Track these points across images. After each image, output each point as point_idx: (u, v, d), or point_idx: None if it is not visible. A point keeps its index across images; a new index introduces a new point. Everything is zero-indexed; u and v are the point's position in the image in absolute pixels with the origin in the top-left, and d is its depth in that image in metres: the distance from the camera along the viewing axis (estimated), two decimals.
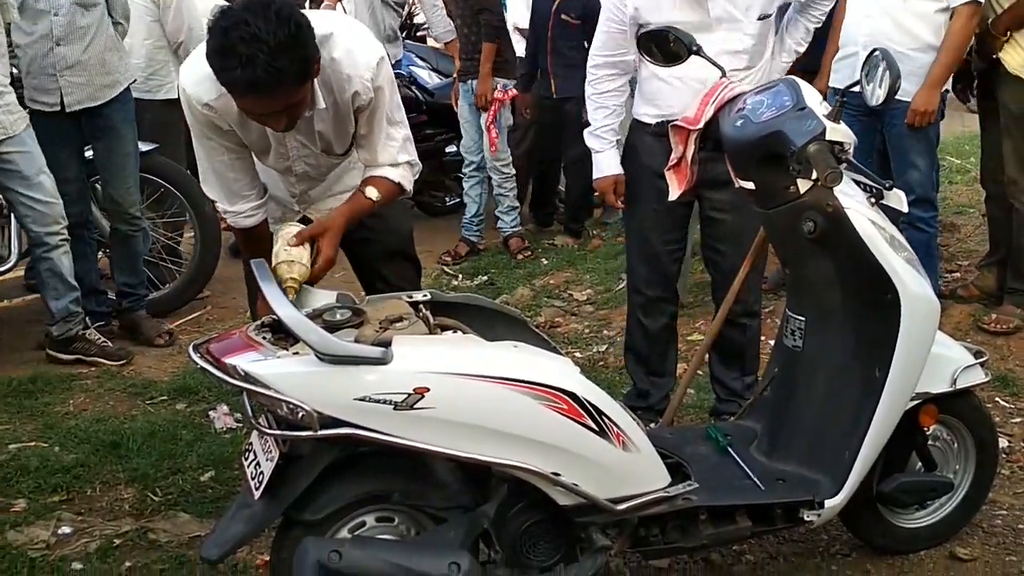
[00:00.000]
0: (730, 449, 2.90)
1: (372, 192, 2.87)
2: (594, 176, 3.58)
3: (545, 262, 6.21)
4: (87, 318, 4.63)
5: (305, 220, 3.05)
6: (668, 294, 3.68)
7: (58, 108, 4.51)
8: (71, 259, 4.43)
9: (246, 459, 2.51)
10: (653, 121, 3.38)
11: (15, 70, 4.43)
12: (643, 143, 3.45)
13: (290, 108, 2.55)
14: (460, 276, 5.92)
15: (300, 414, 2.25)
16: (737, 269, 3.19)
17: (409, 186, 2.99)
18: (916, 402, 2.82)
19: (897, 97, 4.09)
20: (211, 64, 2.44)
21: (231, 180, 2.89)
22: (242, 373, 2.28)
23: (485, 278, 5.98)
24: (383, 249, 3.22)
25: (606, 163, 3.52)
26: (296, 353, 2.33)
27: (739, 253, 3.36)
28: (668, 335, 3.77)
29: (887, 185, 2.68)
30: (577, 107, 5.48)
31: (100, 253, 5.08)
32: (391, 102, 2.87)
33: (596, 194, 4.32)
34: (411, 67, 6.86)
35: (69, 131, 4.58)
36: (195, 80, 2.68)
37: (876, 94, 2.72)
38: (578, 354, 4.72)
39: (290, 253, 2.65)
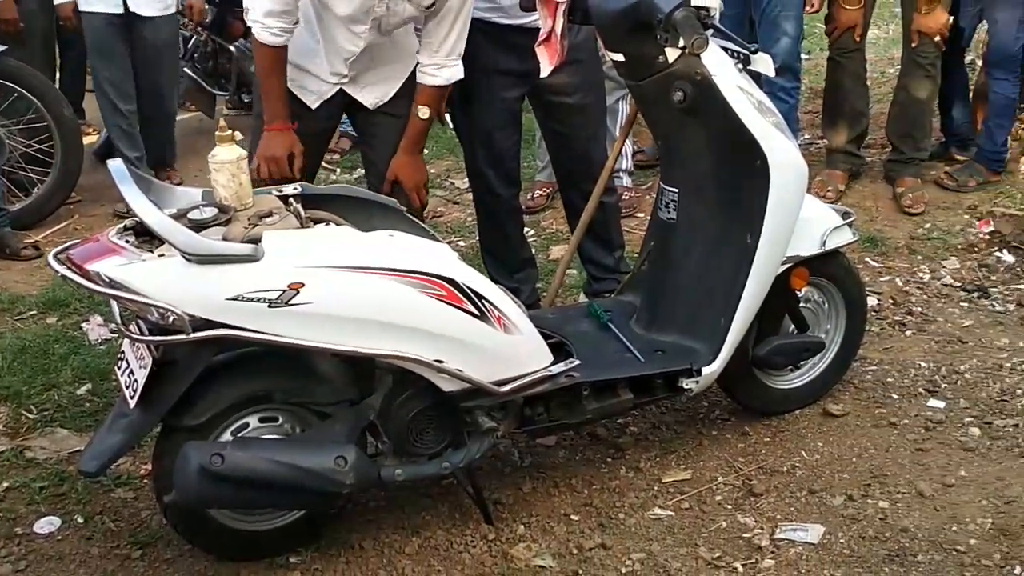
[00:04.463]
0: (611, 324, 2.95)
1: (424, 112, 3.07)
2: None
3: (426, 151, 6.11)
4: None
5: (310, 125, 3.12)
6: (515, 189, 3.65)
7: None
8: None
9: (119, 368, 2.46)
10: (483, 16, 3.25)
11: None
12: (476, 42, 3.22)
13: None
14: (338, 170, 5.80)
15: (171, 318, 2.20)
16: (588, 148, 3.19)
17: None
18: (787, 265, 2.89)
19: None
20: None
21: None
22: (106, 279, 2.21)
23: (362, 172, 5.85)
24: None
25: None
26: (162, 255, 2.26)
27: (587, 133, 3.38)
28: (519, 230, 3.77)
29: (753, 49, 2.69)
30: None
31: None
32: None
33: None
34: None
35: None
36: None
37: None
38: (461, 243, 4.71)
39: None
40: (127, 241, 2.32)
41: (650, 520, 2.77)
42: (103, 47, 4.97)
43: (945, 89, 4.88)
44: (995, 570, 2.53)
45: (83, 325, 3.89)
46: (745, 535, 2.69)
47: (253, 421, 2.48)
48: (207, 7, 5.54)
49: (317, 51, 3.07)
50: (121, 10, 4.81)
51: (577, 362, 2.70)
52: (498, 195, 3.58)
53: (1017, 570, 2.52)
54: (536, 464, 3.02)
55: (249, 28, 3.00)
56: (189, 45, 6.02)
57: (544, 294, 3.70)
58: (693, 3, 2.54)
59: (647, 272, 3.04)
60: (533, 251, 4.00)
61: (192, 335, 2.20)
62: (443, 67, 3.04)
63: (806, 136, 5.44)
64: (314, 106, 3.14)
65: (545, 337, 2.70)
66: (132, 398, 2.34)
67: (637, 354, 2.82)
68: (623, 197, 4.68)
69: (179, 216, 2.36)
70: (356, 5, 2.94)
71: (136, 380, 2.34)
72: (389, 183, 3.14)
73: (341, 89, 3.16)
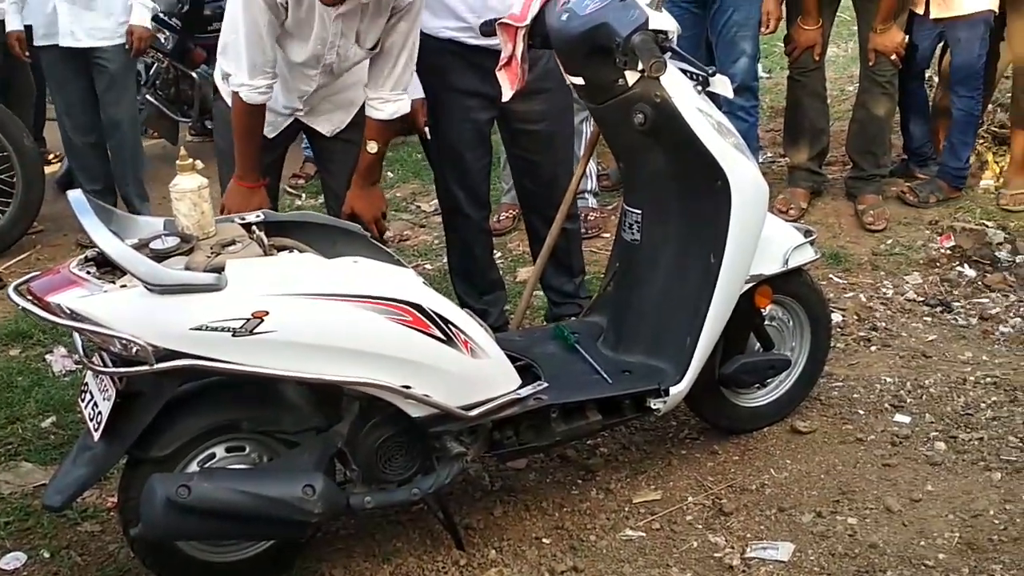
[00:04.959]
0: (578, 346, 2.95)
1: (372, 146, 3.09)
2: None
3: (391, 175, 6.12)
4: None
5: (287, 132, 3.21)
6: (485, 211, 3.65)
7: None
8: None
9: (83, 400, 2.44)
10: (452, 36, 3.28)
11: None
12: (446, 63, 3.30)
13: None
14: (304, 196, 5.78)
15: (134, 349, 2.18)
16: (555, 176, 3.21)
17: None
18: (751, 284, 2.92)
19: None
20: None
21: (260, 57, 2.88)
22: (68, 311, 2.19)
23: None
24: None
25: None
26: (124, 286, 2.24)
27: (554, 160, 3.41)
28: (489, 252, 3.78)
29: (711, 72, 2.71)
30: None
31: None
32: (416, 26, 3.00)
33: None
34: None
35: None
36: None
37: None
38: (428, 266, 4.71)
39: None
40: (88, 272, 2.30)
41: (621, 541, 2.77)
42: (58, 80, 4.94)
43: (904, 106, 4.95)
44: None
45: (47, 357, 3.85)
46: (716, 554, 2.70)
47: (220, 451, 2.46)
48: (158, 35, 5.49)
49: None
50: (73, 43, 4.73)
51: (545, 384, 2.70)
52: (468, 216, 3.57)
53: None
54: (507, 488, 3.01)
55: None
56: (151, 72, 6.00)
57: (512, 316, 3.71)
58: (651, 27, 2.56)
59: (613, 293, 3.05)
60: (500, 273, 4.00)
61: (156, 366, 2.18)
62: (387, 101, 3.04)
63: (768, 154, 5.49)
64: (271, 136, 3.15)
65: (513, 360, 2.70)
66: (96, 431, 2.32)
67: (604, 375, 2.83)
68: (588, 218, 4.70)
69: (141, 246, 2.35)
70: (308, 54, 2.96)
71: (100, 412, 2.32)
72: (346, 216, 3.14)
73: (296, 119, 3.19)
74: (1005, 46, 4.79)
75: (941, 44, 4.94)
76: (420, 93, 3.29)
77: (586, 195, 4.81)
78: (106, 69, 4.83)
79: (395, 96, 3.05)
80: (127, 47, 4.80)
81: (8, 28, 4.87)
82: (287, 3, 2.84)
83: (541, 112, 3.39)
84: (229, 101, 3.03)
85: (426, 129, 3.48)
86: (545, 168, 3.51)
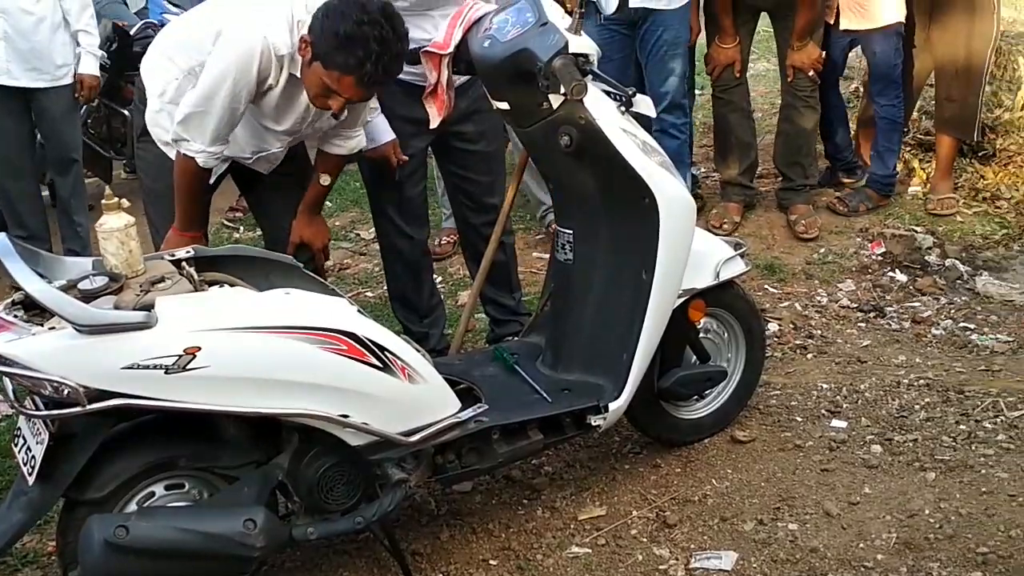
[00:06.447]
0: (517, 367, 2.98)
1: (326, 179, 3.16)
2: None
3: (330, 204, 6.10)
4: None
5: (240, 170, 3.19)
6: (424, 234, 3.66)
7: None
8: None
9: (16, 445, 2.40)
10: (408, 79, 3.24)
11: None
12: (385, 90, 3.23)
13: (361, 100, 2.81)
14: (242, 228, 5.76)
15: (66, 391, 2.16)
16: (493, 194, 3.24)
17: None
18: (684, 298, 2.96)
19: (651, 7, 4.31)
20: (338, 42, 2.60)
21: (227, 129, 2.87)
22: None
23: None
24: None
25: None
26: (52, 328, 2.22)
27: (489, 178, 3.43)
28: (430, 274, 3.79)
29: (631, 92, 2.76)
30: None
31: None
32: None
33: None
34: (162, 14, 6.54)
35: None
36: (276, 32, 2.76)
37: (609, 3, 2.78)
38: (369, 294, 4.71)
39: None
40: (16, 316, 2.27)
41: (568, 559, 2.79)
42: None
43: (825, 116, 5.05)
44: None
45: None
46: (661, 567, 2.73)
47: (159, 489, 2.44)
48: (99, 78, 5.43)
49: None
50: (12, 82, 4.63)
51: (485, 407, 2.70)
52: (409, 237, 3.58)
53: None
54: (452, 511, 3.02)
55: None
56: (82, 111, 5.94)
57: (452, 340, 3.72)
58: (571, 50, 2.59)
59: (549, 313, 3.08)
60: (441, 296, 4.01)
61: (88, 407, 2.16)
62: (348, 139, 3.08)
63: (702, 169, 5.57)
64: (211, 181, 3.10)
65: (452, 384, 2.71)
66: (31, 475, 2.28)
67: (544, 394, 2.85)
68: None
69: (69, 287, 2.32)
70: (284, 127, 2.99)
71: (34, 456, 2.28)
72: (293, 245, 3.15)
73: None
74: (917, 52, 4.92)
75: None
76: (391, 135, 3.29)
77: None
78: (51, 111, 4.75)
79: (355, 132, 3.08)
80: (76, 95, 4.76)
81: None
82: (271, 87, 2.83)
83: (479, 132, 3.43)
84: (168, 152, 2.99)
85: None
86: (481, 186, 3.54)
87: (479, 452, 2.74)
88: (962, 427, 3.25)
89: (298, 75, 2.78)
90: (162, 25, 6.20)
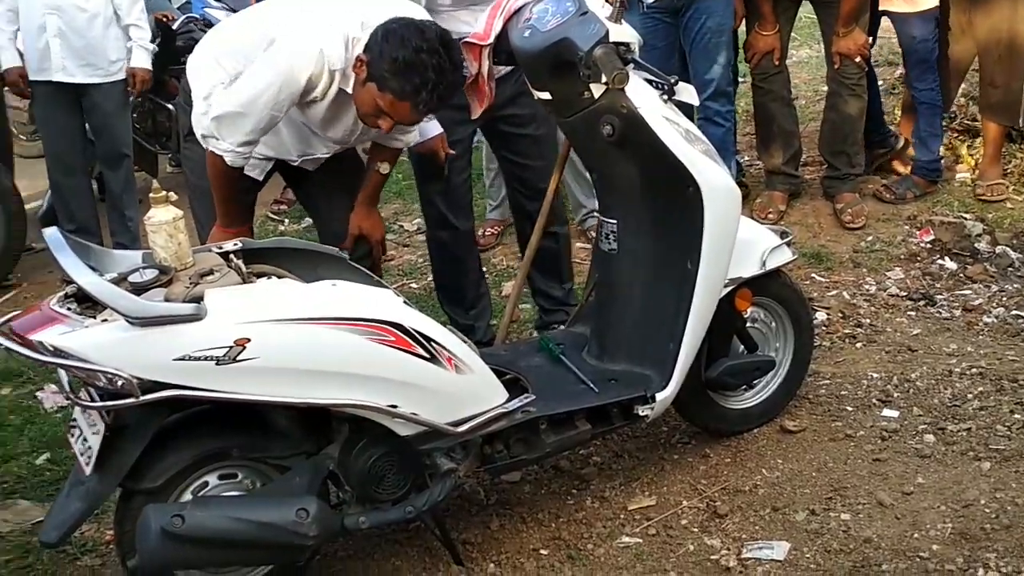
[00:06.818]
0: (563, 357, 2.97)
1: (385, 168, 3.17)
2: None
3: None
4: None
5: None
6: (470, 224, 3.67)
7: None
8: None
9: (72, 436, 2.44)
10: None
11: None
12: None
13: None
14: (287, 221, 5.79)
15: (120, 383, 2.19)
16: (545, 180, 3.23)
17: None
18: (730, 288, 2.93)
19: None
20: (395, 68, 2.62)
21: (261, 134, 2.87)
22: (51, 348, 2.19)
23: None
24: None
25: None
26: (105, 320, 2.25)
27: (542, 163, 3.40)
28: (477, 264, 3.78)
29: (673, 81, 2.73)
30: None
31: None
32: None
33: None
34: (205, 9, 6.59)
35: None
36: (332, 46, 2.76)
37: None
38: (413, 285, 4.73)
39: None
40: (69, 308, 2.31)
41: (619, 549, 2.78)
42: (47, 118, 4.90)
43: None
44: (958, 574, 2.57)
45: (38, 394, 3.84)
46: (713, 557, 2.71)
47: (213, 479, 2.47)
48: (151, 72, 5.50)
49: (272, 144, 3.06)
50: (67, 79, 4.72)
51: (532, 397, 2.71)
52: (455, 228, 3.58)
53: (980, 572, 2.56)
54: (502, 501, 3.02)
55: None
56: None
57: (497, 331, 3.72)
58: (612, 39, 2.58)
59: (594, 303, 3.07)
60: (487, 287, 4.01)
61: (141, 398, 2.19)
62: (404, 133, 3.08)
63: (746, 158, 5.52)
64: (260, 179, 3.14)
65: (499, 374, 2.71)
66: (87, 465, 2.32)
67: (591, 385, 2.84)
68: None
69: (119, 280, 2.35)
70: (336, 136, 3.00)
71: (90, 447, 2.32)
72: (353, 238, 3.14)
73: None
74: (956, 37, 4.83)
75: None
76: (439, 129, 3.29)
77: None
78: (103, 107, 4.82)
79: (410, 130, 3.09)
80: (127, 88, 4.82)
81: (7, 64, 4.78)
82: (315, 99, 2.82)
83: (530, 116, 3.42)
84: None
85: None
86: (534, 171, 3.52)
87: (527, 442, 2.74)
88: (1016, 416, 3.20)
89: (348, 91, 2.78)
90: (204, 19, 6.28)
